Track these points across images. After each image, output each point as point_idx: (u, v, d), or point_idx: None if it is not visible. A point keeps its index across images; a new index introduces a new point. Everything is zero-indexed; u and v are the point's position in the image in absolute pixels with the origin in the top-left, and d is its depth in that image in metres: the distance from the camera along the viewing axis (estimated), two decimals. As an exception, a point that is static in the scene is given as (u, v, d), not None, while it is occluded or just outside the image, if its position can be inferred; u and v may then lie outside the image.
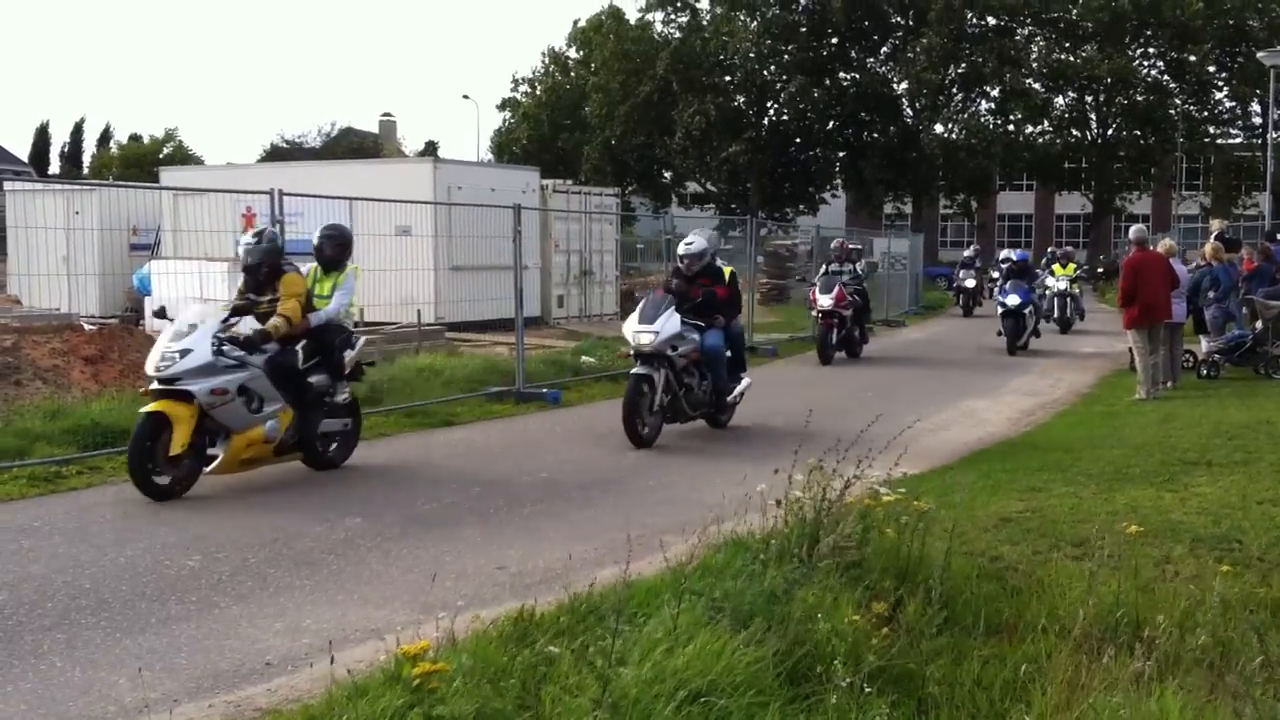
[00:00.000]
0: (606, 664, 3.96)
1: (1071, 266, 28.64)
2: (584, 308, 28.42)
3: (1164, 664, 4.67)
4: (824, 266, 21.92)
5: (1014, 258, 25.36)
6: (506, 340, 17.78)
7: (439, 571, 6.94)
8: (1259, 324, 16.35)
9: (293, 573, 6.94)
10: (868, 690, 4.34)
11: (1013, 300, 21.91)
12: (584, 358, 17.63)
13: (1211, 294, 16.88)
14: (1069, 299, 27.74)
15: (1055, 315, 27.00)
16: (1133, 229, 15.42)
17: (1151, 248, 14.97)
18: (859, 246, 24.53)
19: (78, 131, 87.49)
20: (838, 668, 4.38)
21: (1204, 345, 17.01)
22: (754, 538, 6.16)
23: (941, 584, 5.38)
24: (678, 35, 60.67)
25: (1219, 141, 59.97)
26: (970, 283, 33.93)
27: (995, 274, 30.18)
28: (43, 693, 5.07)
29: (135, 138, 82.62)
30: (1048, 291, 27.21)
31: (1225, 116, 60.38)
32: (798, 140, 61.91)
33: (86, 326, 15.00)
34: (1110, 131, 61.02)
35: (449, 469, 10.34)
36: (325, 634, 5.61)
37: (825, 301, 20.00)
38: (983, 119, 60.16)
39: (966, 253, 35.03)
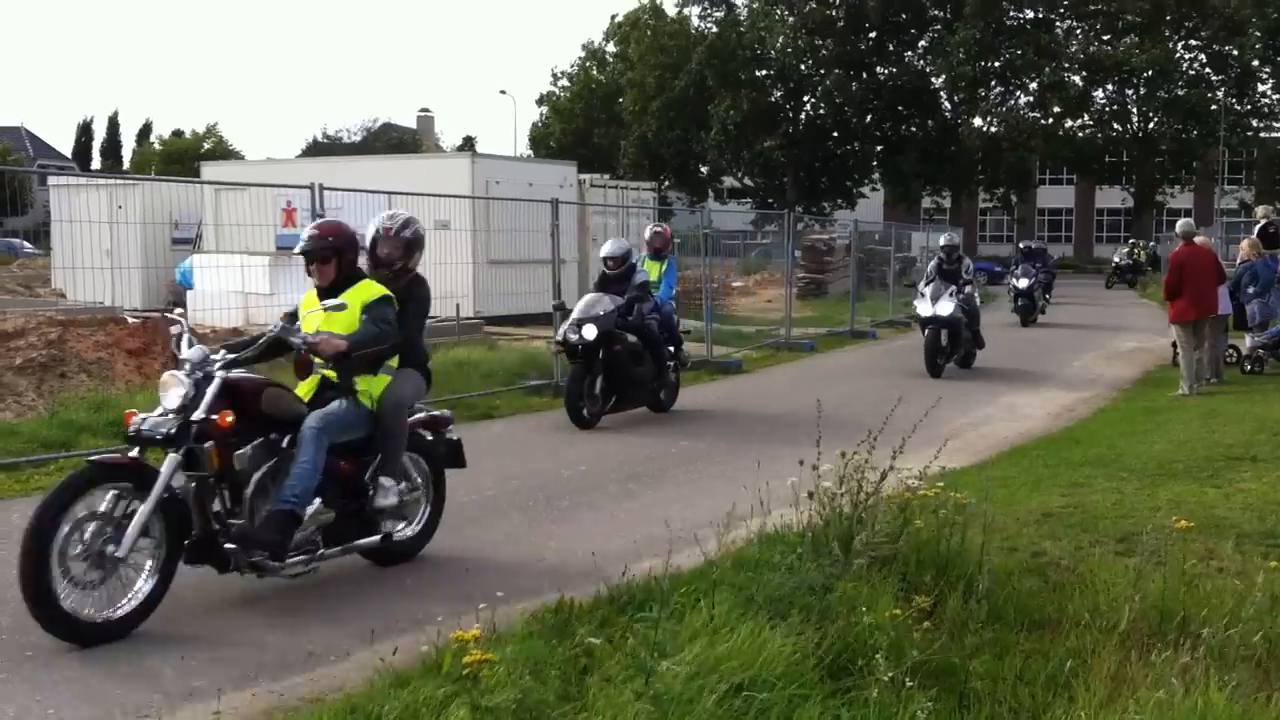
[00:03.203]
0: (649, 655, 3.95)
1: (654, 270, 13.13)
2: (620, 302, 28.38)
3: (1211, 660, 4.62)
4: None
5: None
6: (544, 334, 17.81)
7: (478, 562, 6.99)
8: (1304, 319, 16.12)
9: (333, 563, 6.97)
10: (909, 684, 4.32)
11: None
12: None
13: (1251, 289, 16.67)
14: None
15: None
16: (1179, 223, 15.23)
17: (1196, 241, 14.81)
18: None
19: (114, 126, 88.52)
20: (879, 661, 4.36)
21: (1248, 341, 16.80)
22: (791, 531, 6.15)
23: (985, 578, 5.36)
24: (714, 30, 60.61)
25: (1262, 135, 59.23)
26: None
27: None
28: (88, 681, 5.13)
29: (178, 133, 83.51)
30: (564, 341, 11.96)
31: (1269, 109, 59.65)
32: (834, 134, 61.75)
33: (130, 319, 15.13)
34: (1151, 125, 60.40)
35: (488, 461, 10.36)
36: (367, 624, 5.64)
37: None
38: (1021, 112, 59.67)
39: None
